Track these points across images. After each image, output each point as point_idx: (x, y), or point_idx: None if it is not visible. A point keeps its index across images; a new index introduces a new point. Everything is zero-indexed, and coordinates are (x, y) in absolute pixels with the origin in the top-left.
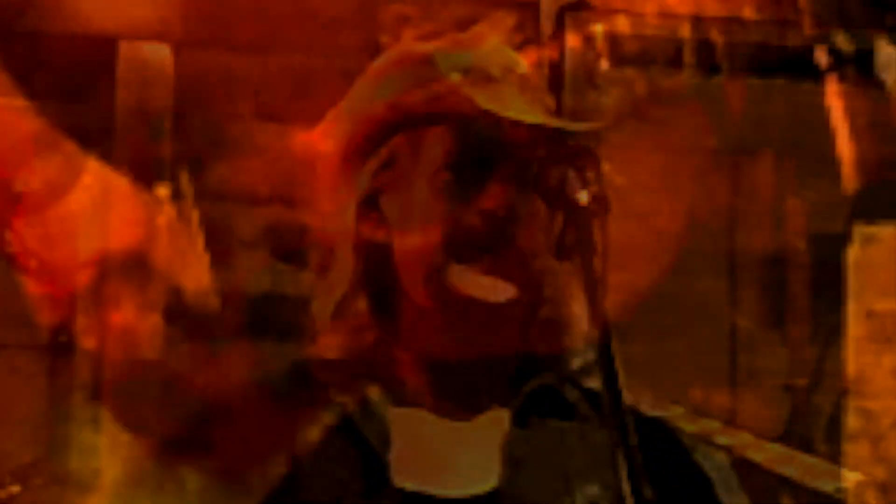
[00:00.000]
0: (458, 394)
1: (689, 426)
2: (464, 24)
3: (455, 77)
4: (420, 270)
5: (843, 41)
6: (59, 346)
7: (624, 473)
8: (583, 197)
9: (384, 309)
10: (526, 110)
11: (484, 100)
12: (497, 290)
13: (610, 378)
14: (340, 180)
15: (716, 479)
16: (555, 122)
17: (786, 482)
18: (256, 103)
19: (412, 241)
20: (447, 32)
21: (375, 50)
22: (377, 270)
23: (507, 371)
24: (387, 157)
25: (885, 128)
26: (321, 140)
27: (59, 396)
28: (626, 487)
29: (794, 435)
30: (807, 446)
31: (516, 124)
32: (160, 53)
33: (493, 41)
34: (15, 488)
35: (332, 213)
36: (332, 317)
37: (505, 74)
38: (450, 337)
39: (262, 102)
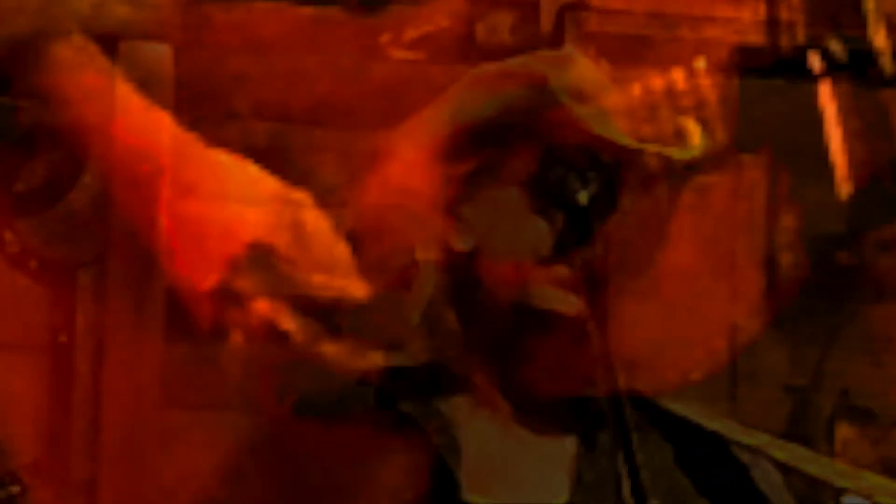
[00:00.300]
0: (533, 410)
1: (745, 439)
2: (463, 24)
3: (565, 98)
4: (508, 280)
5: (835, 45)
6: (60, 346)
7: (624, 472)
8: (583, 197)
9: (465, 319)
10: (628, 135)
11: (597, 125)
12: (568, 303)
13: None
14: (425, 186)
15: (771, 497)
16: (674, 153)
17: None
18: (255, 103)
19: (502, 251)
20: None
21: (376, 50)
22: (460, 278)
23: (574, 387)
24: (475, 166)
25: (878, 132)
26: (404, 143)
27: (60, 396)
28: (626, 489)
29: (795, 435)
30: (807, 447)
31: (616, 148)
32: (160, 53)
33: (587, 61)
34: (15, 488)
35: (415, 220)
36: (416, 326)
37: (604, 97)
38: (521, 348)
39: (260, 102)
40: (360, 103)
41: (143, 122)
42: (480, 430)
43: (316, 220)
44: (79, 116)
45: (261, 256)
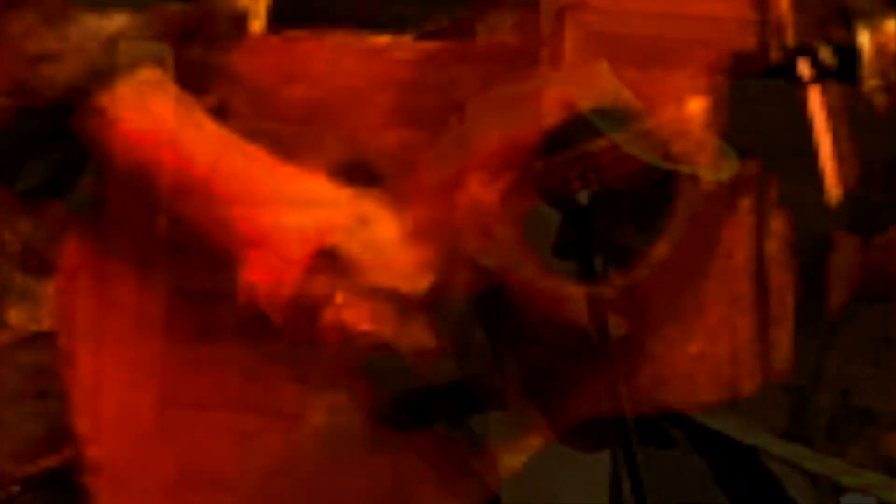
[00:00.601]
0: (567, 427)
1: (778, 450)
2: (463, 25)
3: (596, 120)
4: (539, 296)
5: (825, 52)
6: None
7: (624, 472)
8: (583, 197)
9: (495, 335)
10: (654, 154)
11: (630, 146)
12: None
13: (610, 380)
14: (463, 203)
15: None
16: (707, 174)
17: None
18: (255, 103)
19: (535, 270)
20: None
21: (375, 51)
22: (491, 295)
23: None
24: (507, 185)
25: (866, 139)
26: (443, 155)
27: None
28: (626, 489)
29: (795, 435)
30: (807, 447)
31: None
32: (160, 53)
33: (612, 79)
34: (15, 488)
35: (451, 235)
36: (446, 343)
37: (630, 115)
38: (555, 365)
39: (260, 102)
40: (360, 103)
41: (200, 142)
42: (516, 446)
43: (383, 219)
44: (142, 154)
45: (335, 257)
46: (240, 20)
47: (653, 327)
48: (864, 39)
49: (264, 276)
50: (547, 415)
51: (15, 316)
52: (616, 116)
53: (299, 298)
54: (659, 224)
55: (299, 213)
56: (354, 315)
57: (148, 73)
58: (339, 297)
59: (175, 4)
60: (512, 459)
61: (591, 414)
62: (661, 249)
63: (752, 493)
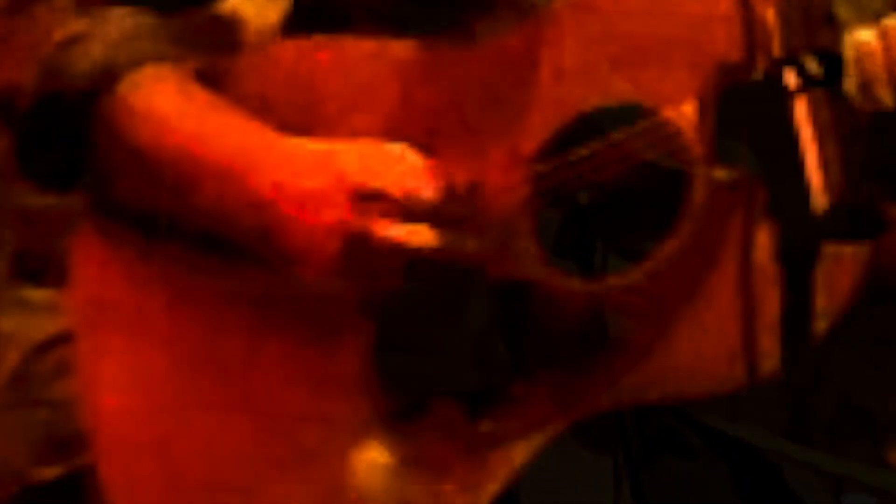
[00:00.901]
0: (587, 434)
1: (799, 455)
2: (463, 25)
3: (597, 117)
4: (563, 302)
5: (811, 62)
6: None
7: (625, 472)
8: (583, 197)
9: (515, 346)
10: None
11: (638, 147)
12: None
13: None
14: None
15: None
16: (718, 173)
17: None
18: (255, 103)
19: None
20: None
21: (376, 52)
22: (512, 307)
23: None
24: (524, 195)
25: (853, 148)
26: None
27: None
28: (626, 490)
29: (795, 435)
30: (807, 447)
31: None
32: (165, 55)
33: (613, 78)
34: (15, 488)
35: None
36: (467, 352)
37: (633, 113)
38: (579, 371)
39: (260, 102)
40: (361, 104)
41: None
42: (534, 451)
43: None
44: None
45: (372, 194)
46: (240, 25)
47: (657, 327)
48: (855, 40)
49: (312, 228)
50: (562, 411)
51: (7, 324)
52: (619, 115)
53: (351, 236)
54: (666, 224)
55: (326, 165)
56: (404, 234)
57: (157, 70)
58: (387, 223)
59: (181, 10)
60: (526, 457)
61: (604, 409)
62: (668, 249)
63: (769, 499)
